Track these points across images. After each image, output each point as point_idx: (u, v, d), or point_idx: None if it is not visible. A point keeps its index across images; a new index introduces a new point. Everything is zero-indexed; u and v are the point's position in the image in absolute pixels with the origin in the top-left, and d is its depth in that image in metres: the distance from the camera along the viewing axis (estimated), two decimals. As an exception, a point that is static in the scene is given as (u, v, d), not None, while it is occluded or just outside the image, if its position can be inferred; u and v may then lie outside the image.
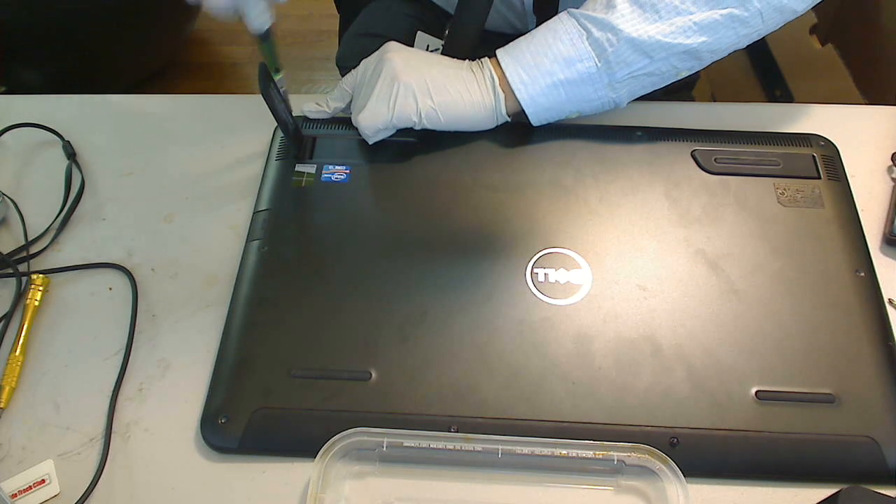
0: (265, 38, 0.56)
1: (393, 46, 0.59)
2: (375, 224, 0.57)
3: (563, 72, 0.57)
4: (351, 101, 0.61)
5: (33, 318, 0.55)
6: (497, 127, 0.61)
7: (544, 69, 0.57)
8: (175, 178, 0.63)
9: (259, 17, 0.53)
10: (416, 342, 0.50)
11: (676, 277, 0.53)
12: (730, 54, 0.59)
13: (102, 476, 0.48)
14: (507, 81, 0.57)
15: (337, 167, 0.60)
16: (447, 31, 0.68)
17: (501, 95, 0.58)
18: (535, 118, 0.60)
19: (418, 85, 0.57)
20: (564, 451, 0.46)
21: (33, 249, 0.59)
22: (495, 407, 0.48)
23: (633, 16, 0.55)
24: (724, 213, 0.57)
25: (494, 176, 0.59)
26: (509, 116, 0.60)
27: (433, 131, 0.59)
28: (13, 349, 0.53)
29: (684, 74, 0.59)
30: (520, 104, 0.58)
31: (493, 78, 0.58)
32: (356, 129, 0.59)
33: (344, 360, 0.50)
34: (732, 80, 1.24)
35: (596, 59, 0.56)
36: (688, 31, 0.55)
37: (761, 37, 0.58)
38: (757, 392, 0.48)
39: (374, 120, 0.57)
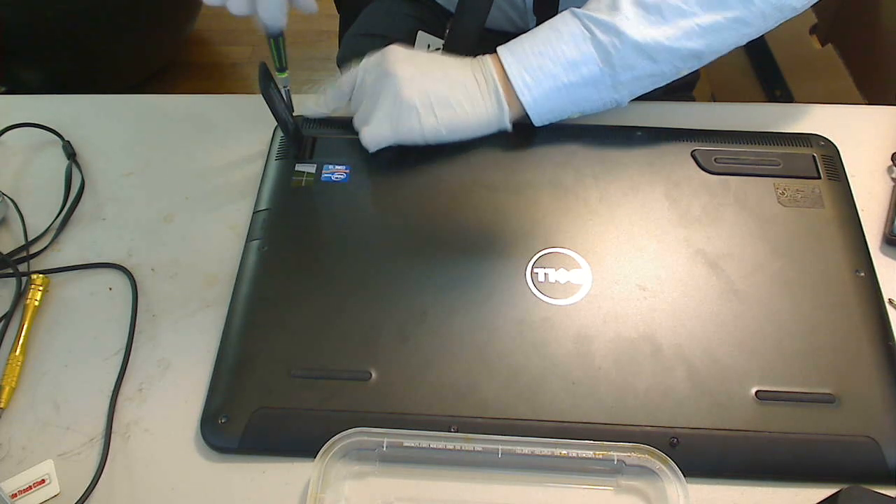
0: (278, 36, 0.56)
1: (394, 55, 0.57)
2: (375, 224, 0.57)
3: (567, 75, 0.56)
4: (350, 100, 0.61)
5: (33, 318, 0.55)
6: (498, 127, 0.61)
7: (548, 72, 0.56)
8: (175, 178, 0.63)
9: (276, 17, 0.53)
10: (416, 342, 0.50)
11: (676, 277, 0.53)
12: (730, 54, 0.59)
13: (102, 476, 0.48)
14: (511, 84, 0.57)
15: (337, 167, 0.60)
16: (448, 31, 0.68)
17: (506, 107, 0.57)
18: (538, 119, 0.60)
19: (422, 101, 0.56)
20: (564, 451, 0.46)
21: (33, 249, 0.59)
22: (495, 407, 0.48)
23: (637, 19, 0.55)
24: (724, 213, 0.57)
25: (494, 176, 0.59)
26: (513, 119, 0.60)
27: (433, 131, 0.59)
28: (13, 349, 0.53)
29: (685, 73, 0.59)
30: (523, 108, 0.58)
31: (496, 88, 0.57)
32: (356, 129, 0.59)
33: (344, 360, 0.50)
34: (732, 80, 1.24)
35: (600, 63, 0.56)
36: (692, 34, 0.55)
37: (761, 34, 0.58)
38: (757, 392, 0.48)
39: (378, 139, 0.58)
